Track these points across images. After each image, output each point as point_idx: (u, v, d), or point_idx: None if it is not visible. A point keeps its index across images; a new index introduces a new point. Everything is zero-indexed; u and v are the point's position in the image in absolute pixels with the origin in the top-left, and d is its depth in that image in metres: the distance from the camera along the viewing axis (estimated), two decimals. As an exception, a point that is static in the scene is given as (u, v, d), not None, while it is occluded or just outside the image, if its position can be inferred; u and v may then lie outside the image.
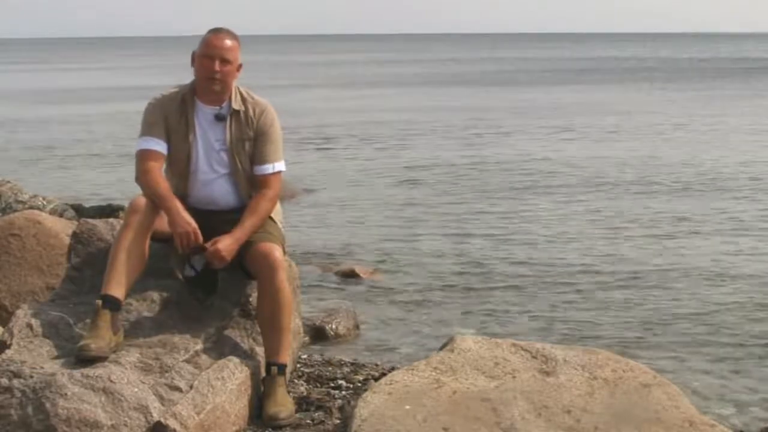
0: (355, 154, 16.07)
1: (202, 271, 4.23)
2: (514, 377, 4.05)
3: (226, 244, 4.15)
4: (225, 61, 4.33)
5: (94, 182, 13.11)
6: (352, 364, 5.48)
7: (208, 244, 4.14)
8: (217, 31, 4.40)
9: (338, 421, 4.22)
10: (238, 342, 4.30)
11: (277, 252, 4.22)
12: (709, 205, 10.96)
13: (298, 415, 4.28)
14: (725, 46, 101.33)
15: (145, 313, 4.30)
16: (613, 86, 34.88)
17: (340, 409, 4.41)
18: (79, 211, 9.08)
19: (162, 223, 4.18)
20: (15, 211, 8.26)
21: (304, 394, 4.67)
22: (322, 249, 8.77)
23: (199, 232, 4.11)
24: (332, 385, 4.94)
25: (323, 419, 4.28)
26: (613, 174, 13.32)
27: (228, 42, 4.36)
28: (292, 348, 4.50)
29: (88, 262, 4.58)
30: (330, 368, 5.31)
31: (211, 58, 4.31)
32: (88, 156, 16.13)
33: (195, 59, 4.40)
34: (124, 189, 11.07)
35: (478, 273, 7.93)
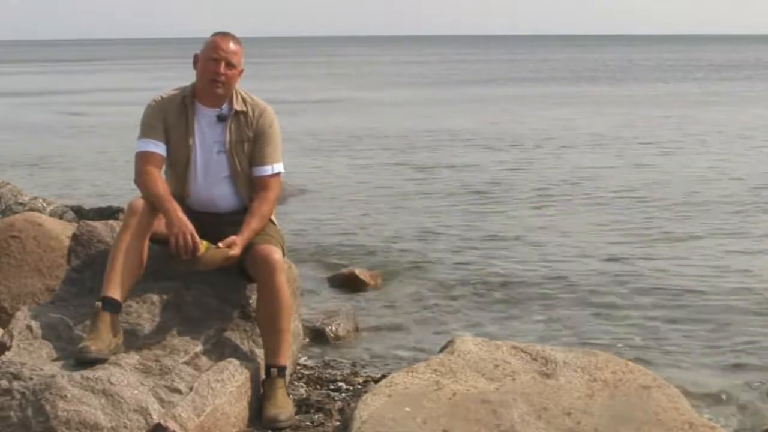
0: (359, 156, 16.04)
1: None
2: (514, 379, 4.05)
3: (240, 247, 4.17)
4: (230, 65, 4.33)
5: (94, 184, 13.10)
6: (352, 366, 5.49)
7: (221, 243, 4.15)
8: (223, 35, 4.41)
9: (338, 423, 4.22)
10: (238, 344, 4.30)
11: (276, 254, 4.23)
12: (718, 201, 11.02)
13: (297, 417, 4.28)
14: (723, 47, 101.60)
15: (145, 315, 4.30)
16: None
17: (340, 411, 4.42)
18: (79, 213, 9.07)
19: (161, 225, 4.19)
20: (15, 212, 8.26)
21: (304, 396, 4.67)
22: (322, 251, 8.76)
23: (195, 234, 4.11)
24: (332, 387, 4.94)
25: (323, 421, 4.29)
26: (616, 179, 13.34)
27: (233, 46, 4.37)
28: (291, 350, 4.51)
29: (88, 264, 4.59)
30: (330, 370, 5.32)
31: (217, 61, 4.32)
32: (88, 157, 16.12)
33: (198, 61, 4.41)
34: (124, 191, 11.07)
35: (478, 275, 7.92)
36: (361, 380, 5.11)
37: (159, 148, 4.34)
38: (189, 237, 4.08)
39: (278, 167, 4.46)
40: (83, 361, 3.88)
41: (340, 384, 5.00)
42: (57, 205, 9.30)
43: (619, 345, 6.05)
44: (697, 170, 13.80)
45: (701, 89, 34.19)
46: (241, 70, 4.43)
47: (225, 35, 4.41)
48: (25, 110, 26.76)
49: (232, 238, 4.18)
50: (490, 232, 9.64)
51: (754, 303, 7.03)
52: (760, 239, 9.18)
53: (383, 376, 4.78)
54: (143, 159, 4.32)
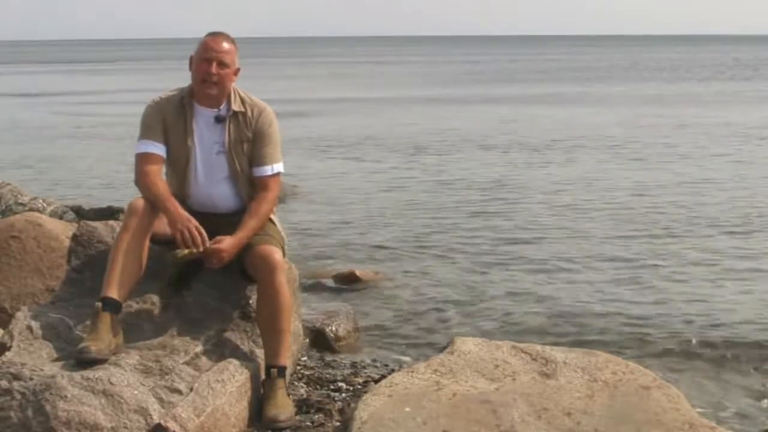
0: (361, 156, 16.02)
1: (186, 266, 4.26)
2: (514, 379, 4.05)
3: (229, 244, 4.16)
4: (222, 64, 4.34)
5: (94, 184, 13.11)
6: (352, 366, 5.49)
7: (209, 243, 4.15)
8: (214, 35, 4.41)
9: (338, 424, 4.22)
10: (238, 344, 4.30)
11: (276, 254, 4.23)
12: (718, 201, 11.02)
13: (297, 418, 4.28)
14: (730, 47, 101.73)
15: (145, 316, 4.31)
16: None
17: (340, 411, 4.42)
18: (79, 214, 9.08)
19: (161, 225, 4.19)
20: (15, 213, 8.27)
21: (304, 396, 4.67)
22: (322, 251, 8.76)
23: (199, 225, 4.12)
24: (332, 387, 4.94)
25: (323, 421, 4.29)
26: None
27: (225, 45, 4.38)
28: (291, 350, 4.51)
29: (88, 264, 4.59)
30: (330, 370, 5.32)
31: (208, 61, 4.32)
32: (89, 158, 16.13)
33: (192, 62, 4.42)
34: (124, 191, 11.07)
35: (478, 275, 7.92)
36: (361, 380, 5.11)
37: (158, 148, 4.35)
38: (194, 229, 4.09)
39: (278, 167, 4.46)
40: (83, 362, 3.88)
41: (340, 384, 5.00)
42: (57, 205, 9.32)
43: (620, 345, 6.05)
44: (707, 172, 13.75)
45: (706, 89, 34.21)
46: (237, 69, 4.43)
47: (216, 35, 4.41)
48: (25, 111, 26.76)
49: (223, 237, 4.18)
50: (491, 233, 9.63)
51: (757, 306, 7.03)
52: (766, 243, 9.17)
53: (383, 377, 4.78)
54: (143, 160, 4.33)
